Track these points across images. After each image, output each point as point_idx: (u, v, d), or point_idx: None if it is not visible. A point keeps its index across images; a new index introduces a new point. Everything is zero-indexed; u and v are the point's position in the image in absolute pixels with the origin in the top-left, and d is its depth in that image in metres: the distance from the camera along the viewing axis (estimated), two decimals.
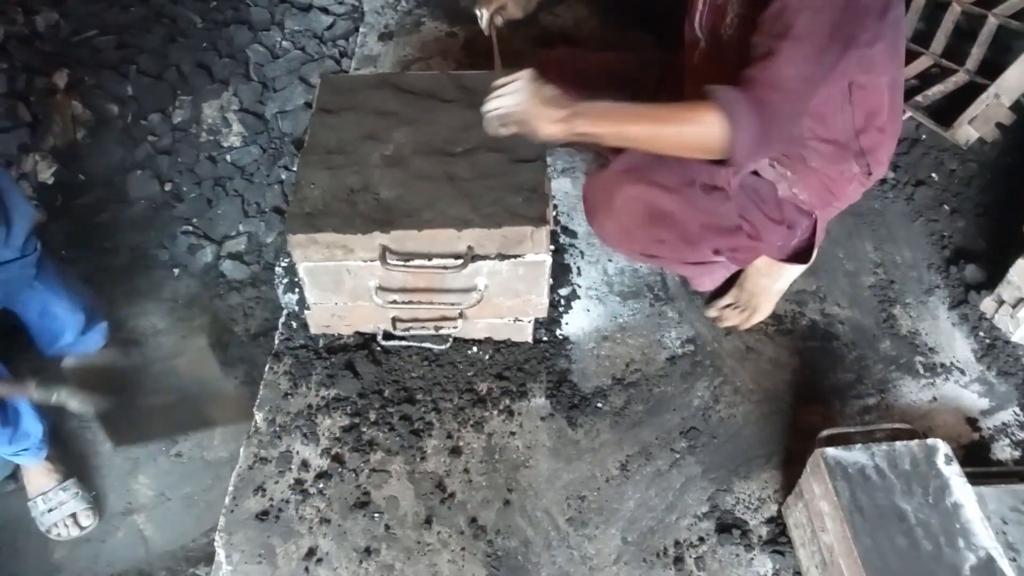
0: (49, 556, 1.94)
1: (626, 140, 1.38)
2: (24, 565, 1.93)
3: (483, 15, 1.84)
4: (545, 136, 1.38)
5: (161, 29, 2.78)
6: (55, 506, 1.91)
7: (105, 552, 1.94)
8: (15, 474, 2.04)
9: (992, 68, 2.12)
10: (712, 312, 1.95)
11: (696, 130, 1.30)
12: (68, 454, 2.03)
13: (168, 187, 2.50)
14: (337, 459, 1.71)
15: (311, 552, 1.59)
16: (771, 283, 1.83)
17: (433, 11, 2.77)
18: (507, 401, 1.79)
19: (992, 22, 2.12)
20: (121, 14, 2.84)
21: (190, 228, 2.43)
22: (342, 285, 1.70)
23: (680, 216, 1.53)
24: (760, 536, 1.62)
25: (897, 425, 1.57)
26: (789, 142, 1.36)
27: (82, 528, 1.92)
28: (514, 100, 1.38)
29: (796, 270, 1.82)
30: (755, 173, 1.55)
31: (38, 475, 1.93)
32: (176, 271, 2.39)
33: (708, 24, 1.48)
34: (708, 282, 1.71)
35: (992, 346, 1.90)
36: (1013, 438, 1.76)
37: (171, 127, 2.59)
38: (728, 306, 1.93)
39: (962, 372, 1.87)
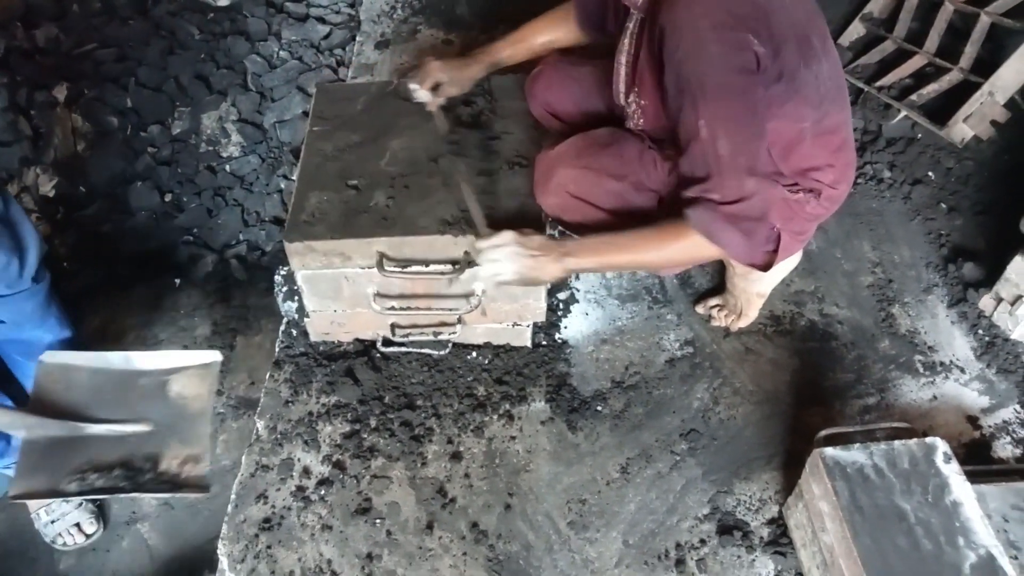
0: (56, 566, 1.95)
1: (617, 268, 1.53)
2: (33, 574, 1.95)
3: (422, 94, 1.76)
4: (549, 281, 1.52)
5: (160, 42, 2.80)
6: (57, 517, 1.92)
7: (111, 561, 1.95)
8: None
9: (986, 66, 2.13)
10: (700, 309, 1.96)
11: (684, 252, 1.43)
12: None
13: (168, 198, 2.52)
14: (338, 466, 1.72)
15: (313, 559, 1.59)
16: (749, 286, 1.83)
17: (429, 19, 2.79)
18: (507, 405, 1.80)
19: (985, 20, 2.13)
20: (121, 27, 2.87)
21: (191, 238, 2.45)
22: (340, 292, 1.71)
23: (605, 205, 1.56)
24: (761, 537, 1.62)
25: (896, 424, 1.57)
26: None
27: (87, 536, 1.93)
28: (513, 265, 1.45)
29: (775, 275, 1.82)
30: None
31: None
32: (177, 281, 2.41)
33: (627, 92, 1.53)
34: (667, 270, 1.72)
35: (992, 344, 1.90)
36: (1014, 436, 1.75)
37: (171, 138, 2.61)
38: (715, 307, 1.94)
39: (962, 370, 1.87)
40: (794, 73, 1.34)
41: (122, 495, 1.55)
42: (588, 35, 1.73)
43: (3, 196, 1.44)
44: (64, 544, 1.93)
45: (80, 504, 1.94)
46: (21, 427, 1.49)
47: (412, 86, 1.75)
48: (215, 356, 1.51)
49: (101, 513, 1.99)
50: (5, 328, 1.53)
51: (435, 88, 1.76)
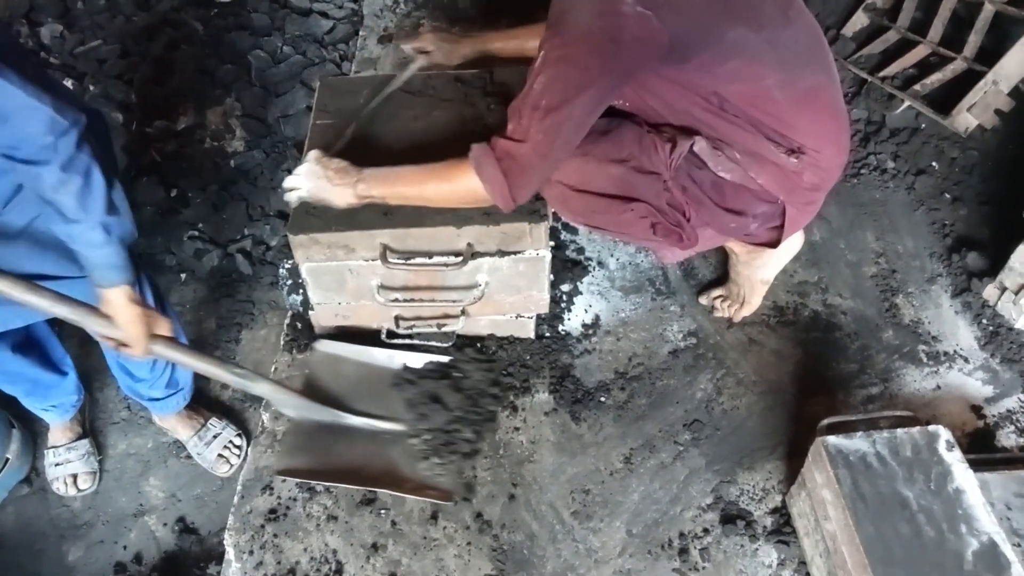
0: (64, 557, 1.97)
1: (405, 199, 1.54)
2: (41, 566, 1.97)
3: (409, 50, 1.88)
4: (340, 205, 1.54)
5: (164, 37, 2.80)
6: (62, 462, 2.01)
7: (118, 553, 1.97)
8: (29, 478, 2.07)
9: (990, 55, 2.12)
10: (703, 300, 1.96)
11: (457, 187, 1.46)
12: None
13: (174, 193, 2.53)
14: None
15: (319, 549, 1.61)
16: (753, 273, 1.82)
17: (432, 12, 2.79)
18: (511, 397, 1.80)
19: (989, 8, 2.12)
20: (125, 23, 2.88)
21: (196, 233, 2.45)
22: (344, 285, 1.72)
23: (607, 191, 1.55)
24: (764, 526, 1.62)
25: (899, 413, 1.57)
26: (545, 183, 1.49)
27: (80, 490, 2.02)
28: (307, 182, 1.53)
29: (778, 261, 1.81)
30: (698, 159, 1.55)
31: (57, 431, 2.04)
32: (183, 276, 2.42)
33: None
34: (669, 255, 1.72)
35: (995, 333, 1.89)
36: (1018, 425, 1.75)
37: (175, 133, 2.62)
38: (719, 297, 1.94)
39: (966, 360, 1.87)
40: (722, 39, 1.35)
41: (379, 489, 1.65)
42: None
43: (110, 184, 1.46)
44: (58, 489, 2.02)
45: (84, 456, 2.01)
46: (293, 407, 1.63)
47: (403, 45, 1.91)
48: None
49: (100, 472, 2.05)
50: None
51: (423, 53, 1.87)
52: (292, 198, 1.57)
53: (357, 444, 1.66)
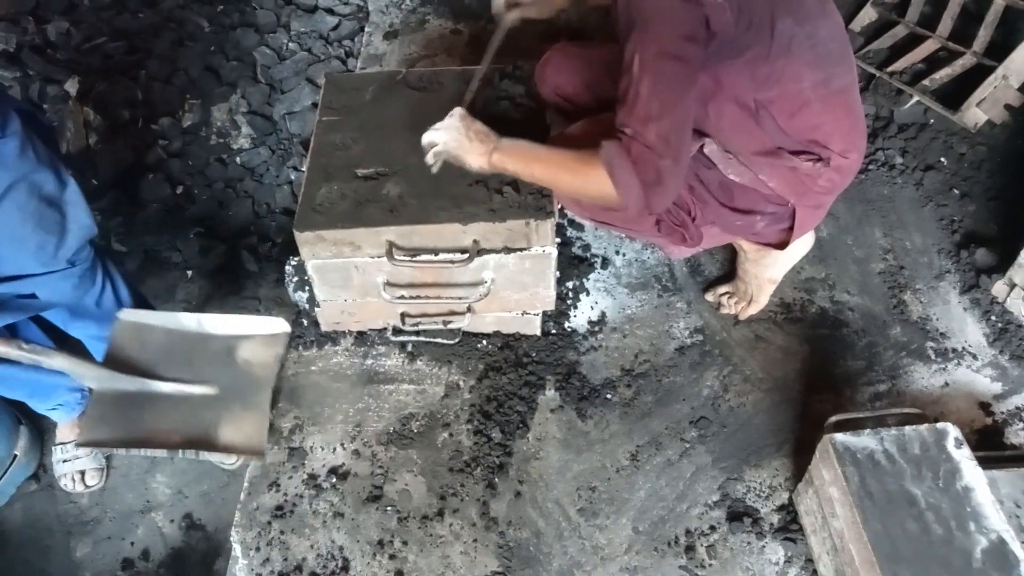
0: (72, 553, 1.98)
1: (536, 180, 1.50)
2: (48, 562, 1.97)
3: (498, 5, 1.75)
4: (473, 168, 1.52)
5: (170, 34, 2.81)
6: (70, 458, 2.02)
7: (126, 549, 1.98)
8: (36, 474, 2.08)
9: (1000, 49, 2.11)
10: (710, 297, 1.96)
11: (588, 185, 1.39)
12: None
13: (179, 190, 2.53)
14: (350, 454, 1.73)
15: (325, 546, 1.61)
16: (762, 271, 1.82)
17: (437, 9, 2.78)
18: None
19: (999, 3, 2.10)
20: (130, 20, 2.88)
21: (202, 230, 2.46)
22: (350, 282, 1.72)
23: None
24: (771, 524, 1.62)
25: (907, 410, 1.56)
26: (680, 186, 1.41)
27: (87, 486, 2.02)
28: (447, 136, 1.52)
29: (786, 260, 1.80)
30: (707, 160, 1.54)
31: (64, 428, 2.05)
32: (189, 273, 2.42)
33: None
34: (676, 252, 1.71)
35: (1004, 330, 1.88)
36: None
37: (181, 130, 2.62)
38: (726, 294, 1.93)
39: (974, 357, 1.86)
40: (773, 31, 1.33)
41: (181, 453, 1.53)
42: None
43: (61, 179, 1.46)
44: (65, 486, 2.03)
45: (91, 453, 2.02)
46: (94, 379, 1.53)
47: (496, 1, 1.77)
48: (284, 326, 1.53)
49: (107, 468, 2.06)
50: (39, 303, 1.57)
51: (515, 6, 1.74)
52: (430, 159, 1.56)
53: (167, 410, 1.56)
